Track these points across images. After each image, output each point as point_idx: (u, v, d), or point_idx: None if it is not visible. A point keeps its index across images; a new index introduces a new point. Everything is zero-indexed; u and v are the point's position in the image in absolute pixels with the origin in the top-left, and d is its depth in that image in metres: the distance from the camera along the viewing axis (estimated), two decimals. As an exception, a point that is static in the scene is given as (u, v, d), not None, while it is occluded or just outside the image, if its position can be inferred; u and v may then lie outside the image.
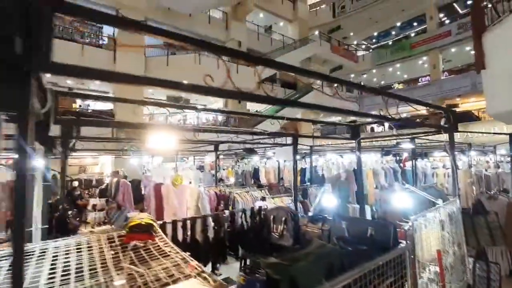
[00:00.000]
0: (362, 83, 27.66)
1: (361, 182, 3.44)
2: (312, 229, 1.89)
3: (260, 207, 2.36)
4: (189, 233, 2.21)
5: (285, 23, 22.74)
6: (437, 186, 6.88)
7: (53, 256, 1.33)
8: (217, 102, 19.19)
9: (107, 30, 13.68)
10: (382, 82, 28.28)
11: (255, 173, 11.36)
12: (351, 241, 1.48)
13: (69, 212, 4.90)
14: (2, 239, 5.77)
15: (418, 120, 19.39)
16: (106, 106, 16.91)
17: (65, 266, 1.27)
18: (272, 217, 2.18)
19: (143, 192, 5.87)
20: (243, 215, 2.21)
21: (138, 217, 1.57)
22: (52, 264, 1.27)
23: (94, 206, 5.07)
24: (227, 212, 2.28)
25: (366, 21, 22.78)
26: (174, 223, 2.16)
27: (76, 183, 7.52)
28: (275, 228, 2.11)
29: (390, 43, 24.88)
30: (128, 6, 13.30)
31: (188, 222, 2.22)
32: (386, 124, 20.08)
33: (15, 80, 0.91)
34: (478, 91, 15.70)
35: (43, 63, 0.97)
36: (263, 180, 10.95)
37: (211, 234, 2.25)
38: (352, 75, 26.09)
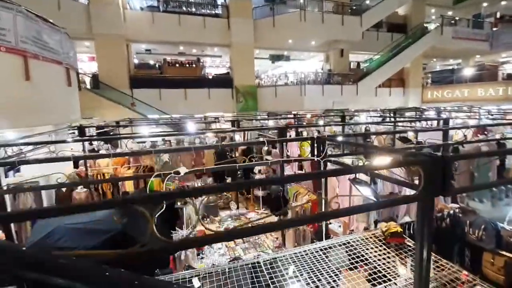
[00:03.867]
0: (497, 12, 21.58)
1: None
2: (518, 240, 2.56)
3: (454, 211, 3.10)
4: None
5: None
6: None
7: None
8: (316, 56, 18.87)
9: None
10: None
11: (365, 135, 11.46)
12: None
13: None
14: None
15: None
16: (220, 71, 19.00)
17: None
18: (468, 222, 2.92)
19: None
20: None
21: (393, 225, 2.60)
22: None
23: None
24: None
25: None
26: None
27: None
28: (471, 231, 2.86)
29: None
30: None
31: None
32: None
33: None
34: None
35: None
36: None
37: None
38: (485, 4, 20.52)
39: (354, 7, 15.87)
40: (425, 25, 18.31)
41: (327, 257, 2.22)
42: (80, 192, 4.28)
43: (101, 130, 6.36)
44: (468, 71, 18.27)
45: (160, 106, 13.00)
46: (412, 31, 17.97)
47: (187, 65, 14.80)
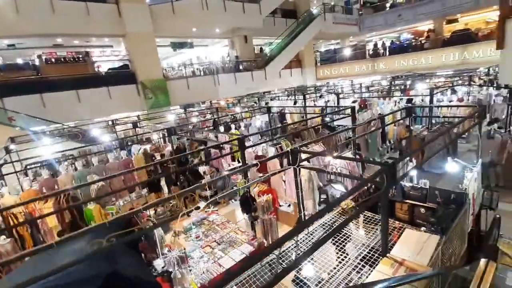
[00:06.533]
0: (360, -1, 26.11)
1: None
2: (414, 192, 3.59)
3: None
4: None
5: None
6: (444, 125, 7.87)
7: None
8: (221, 42, 18.88)
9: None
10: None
11: (282, 116, 12.54)
12: (447, 202, 3.16)
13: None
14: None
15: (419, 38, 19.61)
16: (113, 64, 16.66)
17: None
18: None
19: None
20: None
21: (349, 202, 3.25)
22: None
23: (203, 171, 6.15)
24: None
25: None
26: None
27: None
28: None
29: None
30: None
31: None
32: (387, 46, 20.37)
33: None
34: (481, 6, 16.22)
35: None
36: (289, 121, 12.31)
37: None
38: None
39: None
40: (311, 9, 20.66)
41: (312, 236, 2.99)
42: (3, 244, 3.31)
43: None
44: (347, 51, 21.95)
45: (45, 114, 10.61)
46: (301, 17, 20.01)
47: (73, 61, 12.39)
